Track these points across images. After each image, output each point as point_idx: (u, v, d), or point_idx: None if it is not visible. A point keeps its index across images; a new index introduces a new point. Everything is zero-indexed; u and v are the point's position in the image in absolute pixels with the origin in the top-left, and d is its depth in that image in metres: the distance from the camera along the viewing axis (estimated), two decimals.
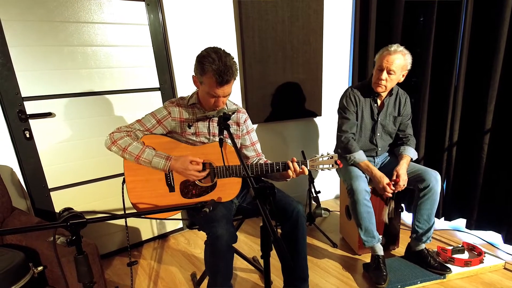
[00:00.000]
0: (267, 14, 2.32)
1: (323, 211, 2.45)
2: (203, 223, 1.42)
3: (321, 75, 2.66)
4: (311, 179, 2.36)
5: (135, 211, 1.45)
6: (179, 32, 2.14)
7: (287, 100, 2.59)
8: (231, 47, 2.34)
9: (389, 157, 2.07)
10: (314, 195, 2.33)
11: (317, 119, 2.82)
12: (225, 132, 1.27)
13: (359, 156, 1.91)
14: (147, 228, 2.37)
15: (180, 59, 2.18)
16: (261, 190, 0.92)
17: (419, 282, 1.77)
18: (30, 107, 1.81)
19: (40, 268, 1.24)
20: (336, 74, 2.79)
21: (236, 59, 2.33)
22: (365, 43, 2.57)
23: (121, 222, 2.21)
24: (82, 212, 0.90)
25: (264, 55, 2.40)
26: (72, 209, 0.84)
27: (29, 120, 1.82)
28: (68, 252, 1.24)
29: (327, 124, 2.83)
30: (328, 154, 1.46)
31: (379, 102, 1.96)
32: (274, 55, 2.44)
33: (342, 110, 1.99)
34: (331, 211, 2.77)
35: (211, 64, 1.29)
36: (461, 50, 2.07)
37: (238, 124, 1.61)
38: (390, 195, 1.83)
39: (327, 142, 2.89)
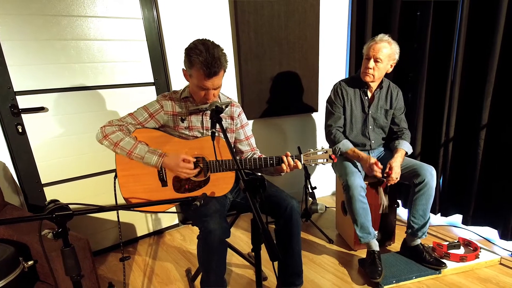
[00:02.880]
0: (262, 9, 2.30)
1: (319, 207, 2.44)
2: (196, 218, 1.41)
3: (317, 70, 2.64)
4: (307, 175, 2.35)
5: None
6: (173, 27, 2.12)
7: (284, 96, 2.58)
8: (226, 42, 2.33)
9: (384, 152, 2.06)
10: (310, 191, 2.32)
11: (314, 115, 2.81)
12: (218, 126, 1.26)
13: (344, 145, 1.93)
14: (142, 224, 2.36)
15: (175, 53, 2.16)
16: (250, 182, 0.91)
17: (414, 277, 1.76)
18: (23, 102, 1.79)
19: (30, 262, 1.22)
20: (332, 69, 2.77)
21: (231, 54, 2.37)
22: (362, 38, 2.55)
23: (116, 218, 2.20)
24: (69, 204, 0.88)
25: (260, 50, 2.39)
26: (58, 201, 0.82)
27: (22, 114, 1.80)
28: (58, 247, 1.23)
29: (324, 120, 2.81)
30: (322, 148, 1.45)
31: (369, 94, 1.96)
32: (270, 50, 2.42)
33: (329, 104, 2.02)
34: (328, 207, 2.76)
35: (198, 56, 1.27)
36: (458, 45, 2.06)
37: (232, 118, 1.59)
38: (379, 174, 1.81)
39: (324, 138, 2.87)
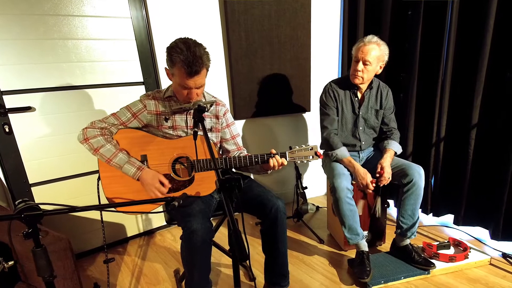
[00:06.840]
0: (253, 9, 2.30)
1: (309, 207, 2.43)
2: (180, 218, 1.40)
3: (309, 70, 2.63)
4: (298, 175, 2.34)
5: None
6: (163, 26, 2.11)
7: (275, 96, 2.57)
8: (216, 41, 2.32)
9: (373, 152, 2.05)
10: (301, 191, 2.31)
11: (305, 115, 2.80)
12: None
13: (341, 152, 1.88)
14: (132, 224, 2.35)
15: (164, 53, 2.13)
16: (225, 182, 0.90)
17: (402, 277, 1.75)
18: (10, 101, 1.78)
19: (10, 262, 1.21)
20: (325, 69, 2.76)
21: (222, 54, 2.36)
22: (353, 37, 2.54)
23: (106, 218, 2.19)
24: (45, 204, 0.88)
25: (251, 50, 2.38)
26: (28, 200, 0.82)
27: (9, 114, 1.79)
28: None
29: (315, 120, 2.79)
30: (307, 145, 1.44)
31: (359, 95, 1.94)
32: (261, 50, 2.41)
33: (322, 106, 1.98)
34: (320, 207, 2.74)
35: (179, 54, 1.26)
36: (448, 44, 2.05)
37: (217, 117, 1.58)
38: (371, 192, 1.80)
39: (315, 138, 2.87)
